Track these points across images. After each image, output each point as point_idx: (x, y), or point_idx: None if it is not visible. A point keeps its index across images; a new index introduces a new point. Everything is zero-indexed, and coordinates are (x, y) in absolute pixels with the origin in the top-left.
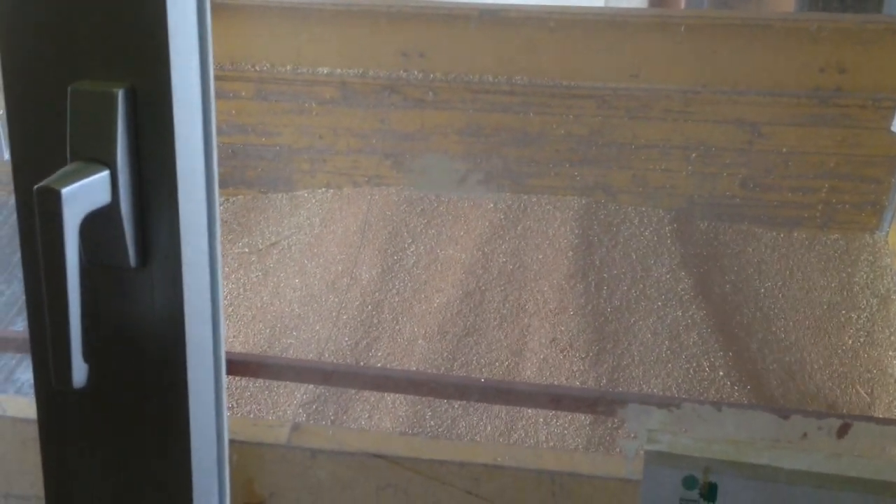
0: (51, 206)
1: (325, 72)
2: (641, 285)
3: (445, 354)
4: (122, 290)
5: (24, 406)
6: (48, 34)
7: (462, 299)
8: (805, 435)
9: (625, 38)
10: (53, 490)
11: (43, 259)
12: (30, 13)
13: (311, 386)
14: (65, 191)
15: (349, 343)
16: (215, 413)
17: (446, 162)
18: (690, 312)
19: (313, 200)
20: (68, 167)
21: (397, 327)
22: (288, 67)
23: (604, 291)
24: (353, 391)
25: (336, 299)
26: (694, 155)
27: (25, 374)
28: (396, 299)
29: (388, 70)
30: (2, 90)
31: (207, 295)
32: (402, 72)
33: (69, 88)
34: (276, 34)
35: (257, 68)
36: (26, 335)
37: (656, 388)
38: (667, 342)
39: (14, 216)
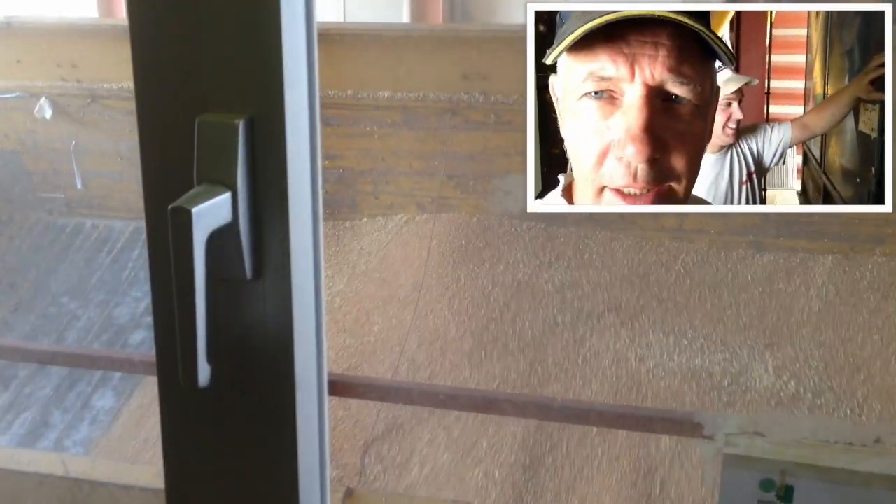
0: (183, 224)
1: (386, 96)
2: None
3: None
4: (238, 300)
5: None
6: (177, 71)
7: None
8: (878, 439)
9: None
10: (173, 481)
11: (175, 271)
12: (161, 53)
13: (384, 417)
14: (195, 210)
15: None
16: (318, 412)
17: (512, 183)
18: None
19: (376, 225)
20: (196, 189)
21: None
22: (349, 92)
23: None
24: (426, 434)
25: (398, 338)
26: None
27: (100, 402)
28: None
29: (448, 93)
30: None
31: (313, 305)
32: (463, 94)
33: (196, 120)
34: (337, 60)
35: (320, 94)
36: (129, 355)
37: None
38: None
39: (87, 241)
